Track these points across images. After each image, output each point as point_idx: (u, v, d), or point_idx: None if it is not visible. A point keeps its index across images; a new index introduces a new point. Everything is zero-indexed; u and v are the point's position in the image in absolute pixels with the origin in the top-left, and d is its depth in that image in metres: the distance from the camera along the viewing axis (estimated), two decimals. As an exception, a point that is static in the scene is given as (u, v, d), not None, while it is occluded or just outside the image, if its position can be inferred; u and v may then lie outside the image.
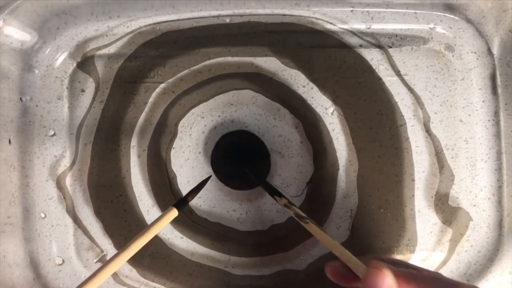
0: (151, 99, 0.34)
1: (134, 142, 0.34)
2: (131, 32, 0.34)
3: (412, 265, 0.26)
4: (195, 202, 0.33)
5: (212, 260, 0.33)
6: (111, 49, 0.34)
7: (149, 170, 0.34)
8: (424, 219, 0.32)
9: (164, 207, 0.34)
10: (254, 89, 0.33)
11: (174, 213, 0.26)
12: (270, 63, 0.33)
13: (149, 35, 0.34)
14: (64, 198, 0.34)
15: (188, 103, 0.34)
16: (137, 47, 0.34)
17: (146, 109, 0.34)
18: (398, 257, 0.32)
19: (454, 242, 0.32)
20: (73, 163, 0.34)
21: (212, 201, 0.33)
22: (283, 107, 0.33)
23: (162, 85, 0.34)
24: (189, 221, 0.33)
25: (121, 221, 0.33)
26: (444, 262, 0.32)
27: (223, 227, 0.33)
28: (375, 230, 0.32)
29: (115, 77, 0.34)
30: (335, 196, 0.33)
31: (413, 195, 0.32)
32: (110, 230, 0.33)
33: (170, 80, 0.34)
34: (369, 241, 0.32)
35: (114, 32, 0.34)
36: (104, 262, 0.21)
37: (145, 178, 0.34)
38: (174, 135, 0.34)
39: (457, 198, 0.32)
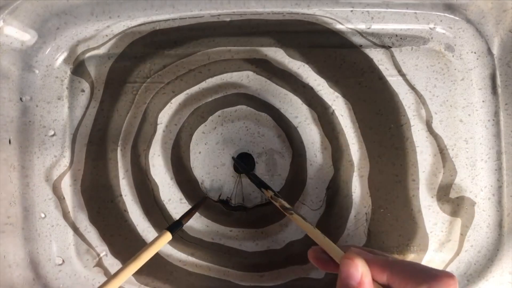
0: (151, 99, 0.34)
1: (134, 142, 0.34)
2: (131, 32, 0.34)
3: (390, 256, 0.26)
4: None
5: (213, 271, 0.33)
6: (111, 49, 0.34)
7: (149, 170, 0.34)
8: (424, 219, 0.32)
9: (164, 207, 0.34)
10: (252, 90, 0.33)
11: (168, 237, 0.26)
12: (270, 63, 0.33)
13: (149, 35, 0.33)
14: (63, 198, 0.34)
15: (188, 103, 0.34)
16: (137, 47, 0.34)
17: (146, 109, 0.34)
18: (400, 257, 0.32)
19: (455, 242, 0.32)
20: (72, 163, 0.34)
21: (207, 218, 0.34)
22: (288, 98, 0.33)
23: (162, 85, 0.34)
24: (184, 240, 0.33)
25: (121, 221, 0.33)
26: (445, 262, 0.32)
27: (223, 247, 0.33)
28: (375, 230, 0.32)
29: (114, 77, 0.34)
30: (352, 202, 0.32)
31: (414, 195, 0.32)
32: (110, 230, 0.33)
33: (170, 80, 0.34)
34: (333, 235, 0.32)
35: (114, 32, 0.34)
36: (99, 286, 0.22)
37: (144, 178, 0.34)
38: (173, 135, 0.34)
39: (457, 198, 0.32)
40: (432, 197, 0.32)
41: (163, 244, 0.25)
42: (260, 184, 0.31)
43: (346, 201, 0.32)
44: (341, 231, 0.32)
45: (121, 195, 0.33)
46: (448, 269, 0.32)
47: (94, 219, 0.34)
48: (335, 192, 0.32)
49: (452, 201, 0.32)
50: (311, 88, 0.33)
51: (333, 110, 0.33)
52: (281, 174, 0.33)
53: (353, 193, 0.32)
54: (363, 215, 0.32)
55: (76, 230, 0.34)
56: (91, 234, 0.34)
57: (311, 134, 0.33)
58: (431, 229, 0.32)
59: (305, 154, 0.33)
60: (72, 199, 0.34)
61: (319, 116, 0.33)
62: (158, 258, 0.33)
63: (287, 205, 0.28)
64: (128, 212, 0.33)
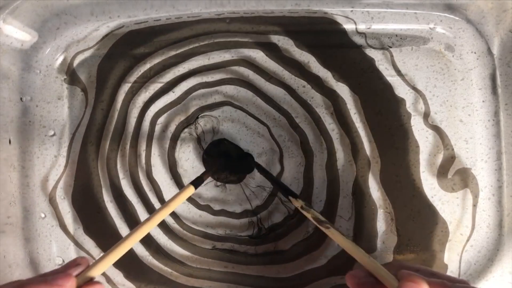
0: (151, 99, 0.34)
1: (134, 142, 0.34)
2: (131, 32, 0.34)
3: (438, 272, 0.24)
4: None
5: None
6: (110, 49, 0.34)
7: (149, 170, 0.34)
8: (424, 219, 0.32)
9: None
10: (252, 90, 0.33)
11: (191, 190, 0.27)
12: (270, 63, 0.33)
13: (149, 35, 0.33)
14: (64, 198, 0.34)
15: (188, 103, 0.34)
16: (137, 47, 0.34)
17: (146, 109, 0.34)
18: (399, 257, 0.32)
19: (454, 243, 0.32)
20: (72, 163, 0.34)
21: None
22: (281, 107, 0.33)
23: (162, 85, 0.34)
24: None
25: (120, 221, 0.33)
26: (464, 241, 0.32)
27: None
28: (374, 230, 0.32)
29: (114, 77, 0.34)
30: (374, 203, 0.32)
31: (413, 195, 0.32)
32: (109, 230, 0.33)
33: (170, 80, 0.34)
34: (368, 242, 0.32)
35: (114, 32, 0.34)
36: (125, 236, 0.23)
37: (145, 178, 0.34)
38: (174, 135, 0.34)
39: (458, 171, 0.32)
40: (432, 197, 0.32)
41: (187, 197, 0.27)
42: (287, 192, 0.27)
43: (370, 203, 0.32)
44: (374, 235, 0.32)
45: (121, 195, 0.33)
46: (447, 269, 0.32)
47: (93, 219, 0.34)
48: (359, 195, 0.32)
49: (454, 176, 0.32)
50: (311, 88, 0.33)
51: (333, 111, 0.33)
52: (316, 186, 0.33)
53: (372, 194, 0.32)
54: (388, 215, 0.32)
55: (74, 230, 0.34)
56: (88, 240, 0.34)
57: (343, 125, 0.33)
58: (431, 228, 0.32)
59: (301, 155, 0.33)
60: (70, 200, 0.34)
61: (315, 118, 0.33)
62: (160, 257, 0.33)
63: (321, 218, 0.25)
64: (128, 212, 0.33)
